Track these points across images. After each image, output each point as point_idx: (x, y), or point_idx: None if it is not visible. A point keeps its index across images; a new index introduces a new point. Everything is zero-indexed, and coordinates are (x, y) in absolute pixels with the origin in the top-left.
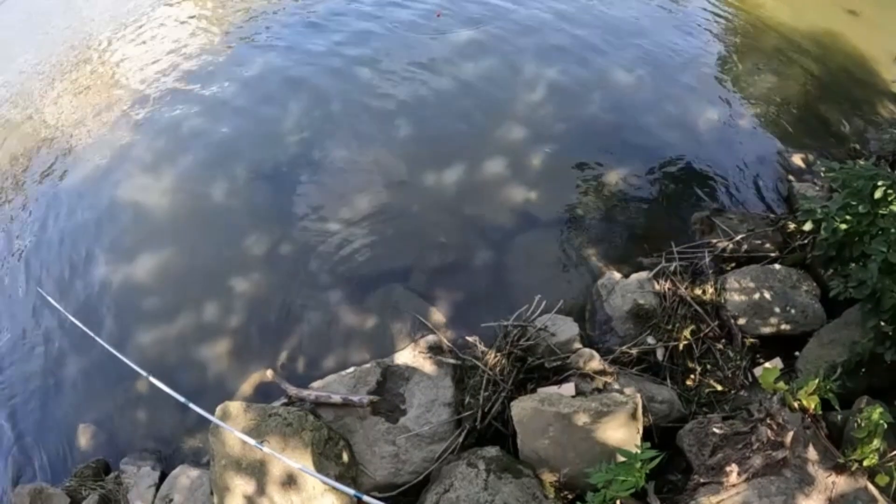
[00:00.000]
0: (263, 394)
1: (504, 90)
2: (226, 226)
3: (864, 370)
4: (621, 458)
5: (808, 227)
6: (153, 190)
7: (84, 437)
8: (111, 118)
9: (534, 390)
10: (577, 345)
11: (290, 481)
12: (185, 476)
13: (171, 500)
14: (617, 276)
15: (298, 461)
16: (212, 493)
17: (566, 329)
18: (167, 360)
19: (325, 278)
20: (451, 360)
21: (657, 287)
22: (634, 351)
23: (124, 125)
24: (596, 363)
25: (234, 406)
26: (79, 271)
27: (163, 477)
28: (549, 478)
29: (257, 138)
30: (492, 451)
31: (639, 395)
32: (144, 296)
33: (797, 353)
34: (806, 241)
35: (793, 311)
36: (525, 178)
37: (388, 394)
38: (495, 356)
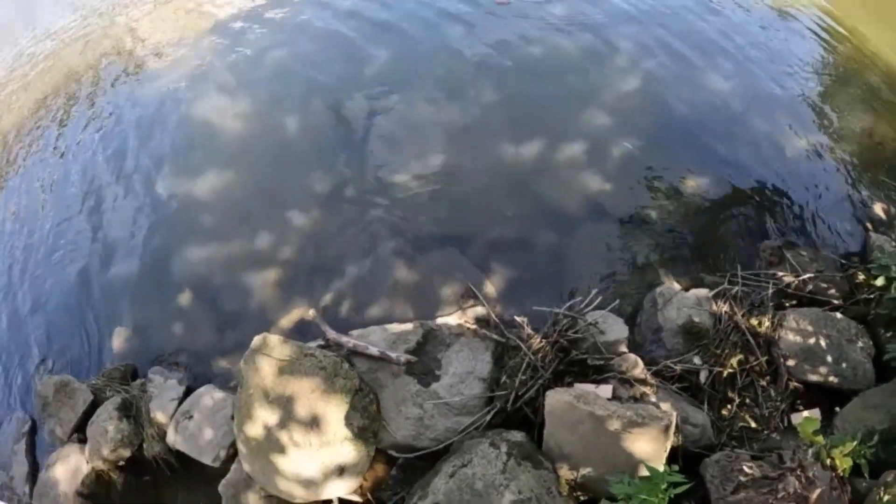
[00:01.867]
0: (301, 332)
1: (595, 74)
2: (293, 158)
3: None
4: (646, 474)
5: (879, 282)
6: (226, 112)
7: (118, 340)
8: (193, 40)
9: (570, 384)
10: (624, 348)
11: (313, 423)
12: (209, 396)
13: (190, 417)
14: (676, 287)
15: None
16: (232, 418)
17: (616, 330)
18: (213, 279)
19: (383, 229)
20: (496, 337)
21: (714, 308)
22: (678, 367)
23: (205, 47)
24: (639, 371)
25: (273, 339)
26: (141, 179)
27: (187, 393)
28: (566, 475)
29: (338, 77)
30: (517, 435)
31: (675, 414)
32: (202, 212)
33: (837, 409)
34: (872, 297)
35: (844, 364)
36: (602, 168)
37: (426, 356)
38: (540, 342)
